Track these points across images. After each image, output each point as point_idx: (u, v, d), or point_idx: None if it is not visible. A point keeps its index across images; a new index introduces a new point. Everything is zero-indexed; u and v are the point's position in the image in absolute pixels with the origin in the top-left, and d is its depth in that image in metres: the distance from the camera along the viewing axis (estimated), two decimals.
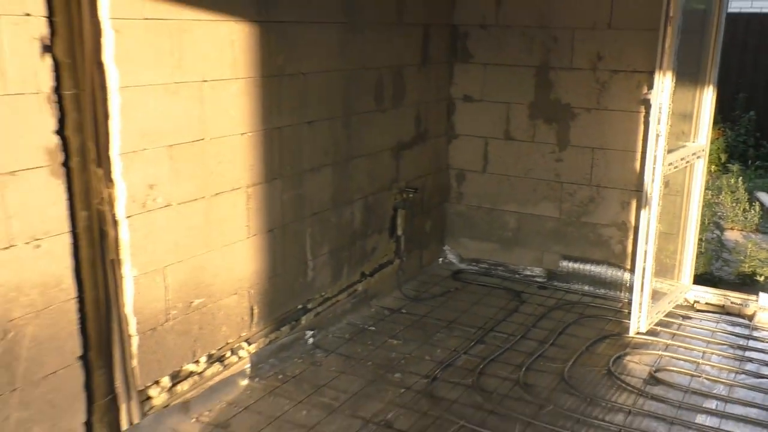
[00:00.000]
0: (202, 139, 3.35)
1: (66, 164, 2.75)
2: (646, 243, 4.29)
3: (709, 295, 5.01)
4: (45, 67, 2.61)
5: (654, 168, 4.18)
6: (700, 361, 4.14)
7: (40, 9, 2.56)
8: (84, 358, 2.94)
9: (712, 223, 6.62)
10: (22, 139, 2.58)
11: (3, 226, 2.56)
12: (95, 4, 2.76)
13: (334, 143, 4.25)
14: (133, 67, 2.95)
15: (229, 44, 3.40)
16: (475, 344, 4.30)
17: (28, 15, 2.52)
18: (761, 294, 4.87)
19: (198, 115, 3.31)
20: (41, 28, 2.58)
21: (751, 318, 4.75)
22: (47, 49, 2.61)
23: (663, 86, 4.08)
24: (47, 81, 2.63)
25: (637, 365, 4.08)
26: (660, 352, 4.24)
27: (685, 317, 4.76)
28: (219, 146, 3.45)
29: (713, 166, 8.80)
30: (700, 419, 3.53)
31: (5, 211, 2.56)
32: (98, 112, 2.85)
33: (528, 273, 5.38)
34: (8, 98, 2.51)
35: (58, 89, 2.67)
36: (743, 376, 3.99)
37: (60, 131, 2.71)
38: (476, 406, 3.60)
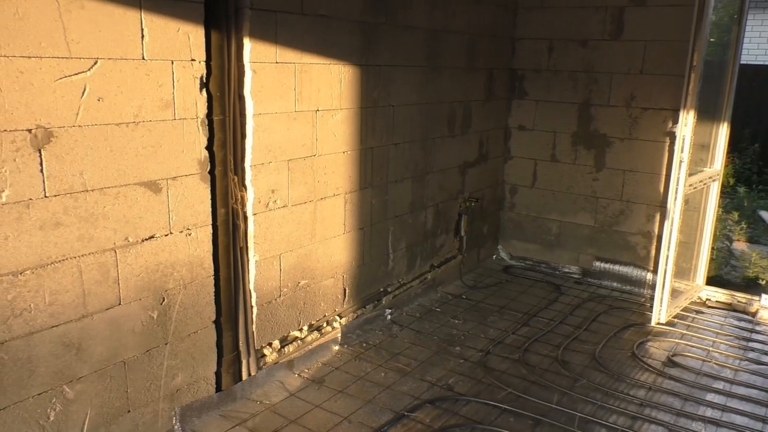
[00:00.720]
0: (313, 155, 3.43)
1: (211, 172, 2.86)
2: (668, 249, 4.19)
3: (719, 294, 4.84)
4: (202, 99, 2.73)
5: (677, 188, 4.08)
6: (710, 348, 4.02)
7: (201, 56, 2.69)
8: (216, 323, 3.03)
9: (722, 235, 6.39)
10: (183, 153, 2.71)
11: (165, 218, 2.69)
12: (241, 52, 2.88)
13: (413, 161, 4.28)
14: (264, 99, 3.05)
15: (337, 82, 3.48)
16: (521, 326, 4.26)
17: (193, 60, 2.66)
18: (763, 295, 4.68)
19: (310, 137, 3.39)
20: (201, 70, 2.70)
21: (754, 315, 4.58)
22: (204, 85, 2.73)
23: (687, 121, 3.98)
24: (203, 109, 2.75)
25: (657, 350, 3.99)
26: (677, 340, 4.13)
27: (699, 312, 4.62)
28: (325, 161, 3.52)
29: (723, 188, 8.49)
30: (710, 397, 3.44)
31: (167, 207, 2.69)
32: (237, 133, 2.95)
33: (566, 270, 5.29)
34: (176, 122, 2.64)
35: (209, 115, 2.79)
36: (746, 362, 3.86)
37: (209, 147, 2.82)
38: (521, 377, 3.58)
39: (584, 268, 5.21)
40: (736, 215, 7.23)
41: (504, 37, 5.06)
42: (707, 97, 4.31)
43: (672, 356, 3.89)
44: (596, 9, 4.78)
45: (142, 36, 2.45)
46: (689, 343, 4.11)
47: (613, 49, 4.76)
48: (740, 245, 6.72)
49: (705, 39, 3.87)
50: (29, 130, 2.17)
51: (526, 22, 5.10)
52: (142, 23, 2.44)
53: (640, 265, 4.95)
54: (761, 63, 11.90)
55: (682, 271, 4.72)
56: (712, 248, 5.17)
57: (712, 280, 5.14)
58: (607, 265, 5.08)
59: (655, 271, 4.66)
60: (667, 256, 4.20)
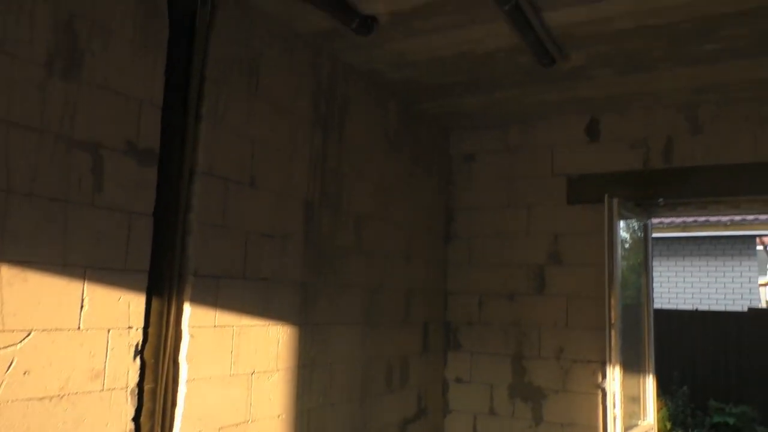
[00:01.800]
0: (247, 421, 3.28)
1: None
2: None
3: None
4: (134, 367, 2.67)
5: None
6: None
7: (140, 323, 2.68)
8: None
9: None
10: (107, 426, 2.55)
11: None
12: (180, 317, 2.90)
13: (351, 421, 4.14)
14: (200, 363, 3.00)
15: (275, 342, 3.48)
16: None
17: (130, 328, 2.64)
18: None
19: (245, 401, 3.28)
20: (138, 337, 2.68)
21: None
22: (138, 352, 2.68)
23: (614, 376, 4.15)
24: (134, 378, 2.66)
25: None
26: None
27: None
28: (259, 426, 3.36)
29: None
30: None
31: None
32: (167, 401, 2.83)
33: None
34: (104, 393, 2.53)
35: (140, 383, 2.70)
36: None
37: (135, 418, 2.67)
38: None
39: None
40: None
41: (437, 292, 5.32)
42: (631, 346, 4.55)
43: None
44: (519, 266, 5.17)
45: (82, 306, 2.46)
46: None
47: (539, 303, 5.06)
48: None
49: (619, 298, 4.21)
50: None
51: (456, 278, 5.42)
52: (83, 293, 2.46)
53: None
54: (673, 308, 12.87)
55: None
56: None
57: None
58: None
59: None
60: None
